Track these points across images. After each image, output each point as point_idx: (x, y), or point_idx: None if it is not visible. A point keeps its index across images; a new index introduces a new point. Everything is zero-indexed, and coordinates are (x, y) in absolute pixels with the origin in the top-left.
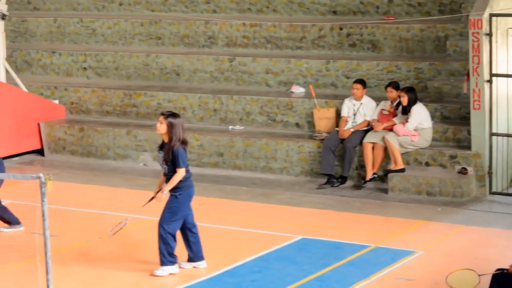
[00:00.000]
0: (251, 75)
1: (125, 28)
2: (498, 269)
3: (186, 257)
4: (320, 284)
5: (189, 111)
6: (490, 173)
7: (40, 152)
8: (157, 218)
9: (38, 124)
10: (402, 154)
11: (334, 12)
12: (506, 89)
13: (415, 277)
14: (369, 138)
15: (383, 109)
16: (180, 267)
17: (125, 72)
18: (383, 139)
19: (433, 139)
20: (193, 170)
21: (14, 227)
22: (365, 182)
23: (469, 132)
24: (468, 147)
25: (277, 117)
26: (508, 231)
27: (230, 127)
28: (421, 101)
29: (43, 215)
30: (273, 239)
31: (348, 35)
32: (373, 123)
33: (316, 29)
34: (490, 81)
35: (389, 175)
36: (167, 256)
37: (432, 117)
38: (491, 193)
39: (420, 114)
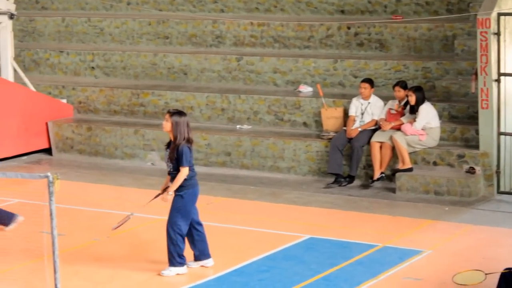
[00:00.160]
0: (259, 74)
1: (132, 28)
2: (506, 269)
3: (192, 257)
4: (327, 284)
5: (196, 110)
6: (498, 173)
7: (48, 151)
8: (165, 217)
9: (46, 124)
10: (410, 153)
11: (342, 12)
12: None
13: (423, 277)
14: (376, 138)
15: (390, 109)
16: (187, 266)
17: (133, 72)
18: (391, 138)
19: (441, 139)
20: (201, 169)
21: (14, 221)
22: (373, 181)
23: (477, 132)
24: (476, 147)
25: (285, 116)
26: None
27: (238, 126)
28: (429, 100)
29: (51, 214)
30: (280, 239)
31: (356, 34)
32: (380, 123)
33: (324, 29)
34: (498, 80)
35: (397, 174)
36: (176, 258)
37: (440, 116)
38: (499, 192)
39: (428, 114)
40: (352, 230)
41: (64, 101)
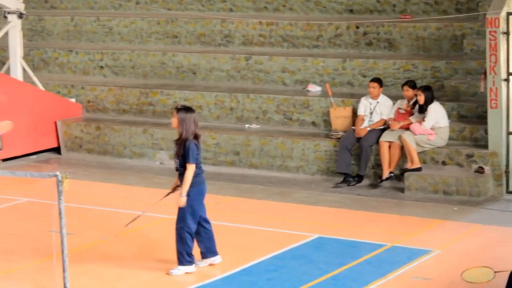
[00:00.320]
0: (268, 73)
1: (141, 27)
2: None
3: (199, 255)
4: (336, 283)
5: (205, 109)
6: (507, 172)
7: (56, 150)
8: (173, 217)
9: (55, 123)
10: (419, 153)
11: (351, 11)
12: None
13: (431, 276)
14: (385, 137)
15: (399, 108)
16: (196, 265)
17: (142, 71)
18: (400, 138)
19: (450, 138)
20: (209, 168)
21: None
22: (382, 181)
23: (486, 131)
24: (485, 146)
25: (294, 115)
26: None
27: (247, 125)
28: (437, 100)
29: (60, 213)
30: (289, 238)
31: (365, 33)
32: (389, 122)
33: (332, 28)
34: (507, 80)
35: (406, 174)
36: (185, 256)
37: (449, 116)
38: (508, 192)
39: (437, 113)
40: (361, 230)
41: (73, 100)
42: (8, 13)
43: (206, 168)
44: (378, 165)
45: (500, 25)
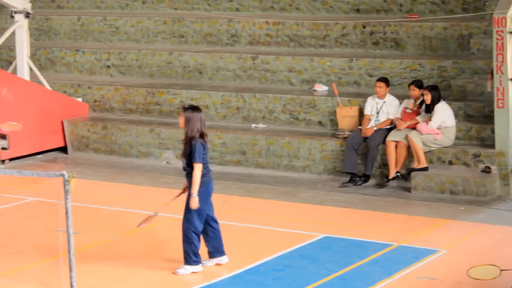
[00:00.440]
0: (274, 73)
1: (148, 26)
2: None
3: (206, 254)
4: (343, 283)
5: (211, 109)
6: None
7: (63, 149)
8: (180, 216)
9: (62, 122)
10: (425, 152)
11: (357, 10)
12: None
13: (438, 276)
14: (392, 137)
15: (406, 108)
16: (202, 265)
17: (148, 70)
18: (406, 137)
19: (457, 138)
20: (216, 168)
21: None
22: (388, 180)
23: (492, 131)
24: (492, 146)
25: (300, 115)
26: None
27: (253, 125)
28: (444, 99)
29: (66, 213)
30: (295, 238)
31: (371, 33)
32: (396, 122)
33: (339, 27)
34: None
35: (412, 173)
36: (191, 256)
37: (456, 115)
38: None
39: (444, 113)
40: (367, 229)
41: (80, 99)
42: (15, 12)
43: (212, 167)
44: (385, 165)
45: (507, 25)
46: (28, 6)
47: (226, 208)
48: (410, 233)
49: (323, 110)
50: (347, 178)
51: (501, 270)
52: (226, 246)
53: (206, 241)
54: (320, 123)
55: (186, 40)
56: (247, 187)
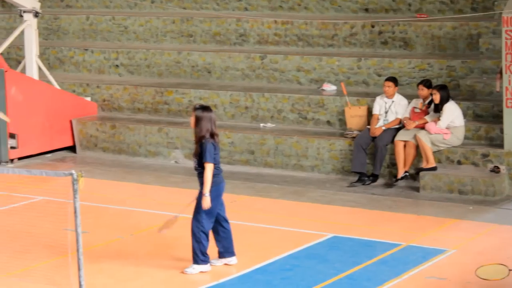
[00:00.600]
0: (283, 72)
1: (157, 26)
2: None
3: (216, 254)
4: (351, 283)
5: (220, 108)
6: None
7: (72, 149)
8: (188, 216)
9: (70, 121)
10: (434, 152)
11: (366, 10)
12: None
13: (447, 276)
14: (400, 136)
15: (415, 107)
16: (210, 264)
17: (157, 70)
18: (415, 137)
19: (465, 137)
20: (224, 167)
21: None
22: (397, 180)
23: (501, 130)
24: (501, 146)
25: (308, 114)
26: None
27: (261, 124)
28: (453, 99)
29: (75, 212)
30: (304, 237)
31: (380, 32)
32: (404, 121)
33: (347, 27)
34: None
35: (421, 173)
36: (199, 255)
37: (464, 115)
38: None
39: (453, 112)
40: (376, 229)
41: (88, 99)
42: (24, 12)
43: (221, 167)
44: (393, 165)
45: None
46: (37, 6)
47: (234, 207)
48: (419, 233)
49: (331, 110)
50: (356, 178)
51: (510, 270)
52: (234, 246)
53: (217, 240)
54: (328, 122)
55: (195, 40)
56: (256, 186)
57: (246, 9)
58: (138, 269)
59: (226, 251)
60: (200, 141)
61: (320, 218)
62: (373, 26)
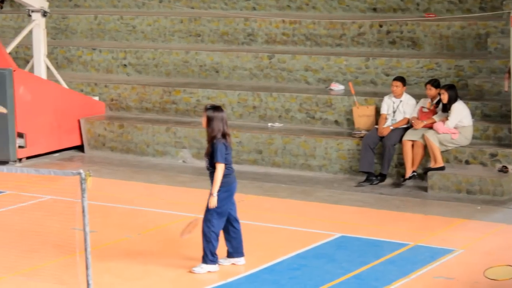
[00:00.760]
0: (290, 72)
1: (164, 25)
2: None
3: (225, 253)
4: (359, 282)
5: (228, 108)
6: None
7: (80, 148)
8: (196, 215)
9: (78, 121)
10: (442, 152)
11: (374, 9)
12: None
13: (455, 276)
14: (408, 136)
15: (423, 107)
16: (219, 264)
17: (165, 69)
18: (423, 137)
19: (474, 137)
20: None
21: None
22: (405, 180)
23: (509, 130)
24: (509, 145)
25: (316, 114)
26: None
27: (269, 124)
28: (461, 98)
29: (83, 211)
30: (311, 237)
31: (388, 32)
32: (412, 121)
33: (355, 26)
34: None
35: (429, 173)
36: (208, 255)
37: (473, 115)
38: None
39: (461, 112)
40: (384, 229)
41: (96, 98)
42: (32, 11)
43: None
44: (401, 164)
45: None
46: (45, 5)
47: (242, 207)
48: (427, 233)
49: (339, 109)
50: (364, 178)
51: None
52: (244, 246)
53: (227, 240)
54: (336, 122)
55: (203, 39)
56: (263, 186)
57: (254, 8)
58: (146, 268)
59: (235, 251)
60: (211, 141)
61: (327, 218)
62: (381, 26)
